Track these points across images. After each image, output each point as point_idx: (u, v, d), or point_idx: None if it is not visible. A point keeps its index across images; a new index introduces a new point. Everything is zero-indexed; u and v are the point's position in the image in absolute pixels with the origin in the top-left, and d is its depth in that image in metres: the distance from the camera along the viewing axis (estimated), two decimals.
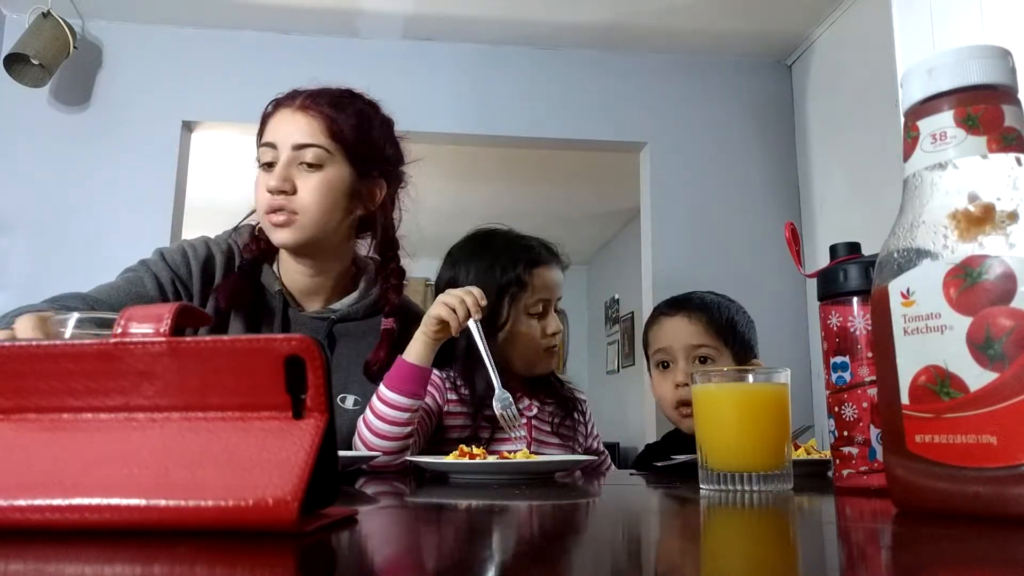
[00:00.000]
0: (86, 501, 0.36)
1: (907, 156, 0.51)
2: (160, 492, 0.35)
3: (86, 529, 0.35)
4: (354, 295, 1.25)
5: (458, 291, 1.08)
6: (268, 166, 1.15)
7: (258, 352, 0.39)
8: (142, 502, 0.35)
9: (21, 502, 0.36)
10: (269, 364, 0.39)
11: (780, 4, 2.69)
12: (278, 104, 1.20)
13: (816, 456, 0.95)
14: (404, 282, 1.29)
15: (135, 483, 0.36)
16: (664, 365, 1.37)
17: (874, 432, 0.65)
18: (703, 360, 1.34)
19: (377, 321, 1.25)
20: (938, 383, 0.46)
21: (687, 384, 1.32)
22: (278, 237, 1.15)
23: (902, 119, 0.52)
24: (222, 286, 1.18)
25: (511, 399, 1.09)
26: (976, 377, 0.44)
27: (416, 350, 1.08)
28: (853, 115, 2.63)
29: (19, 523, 0.36)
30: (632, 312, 4.93)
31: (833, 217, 2.76)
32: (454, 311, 1.05)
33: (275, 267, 1.24)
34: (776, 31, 2.88)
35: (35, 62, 2.52)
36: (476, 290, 1.08)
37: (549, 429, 1.28)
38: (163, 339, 0.39)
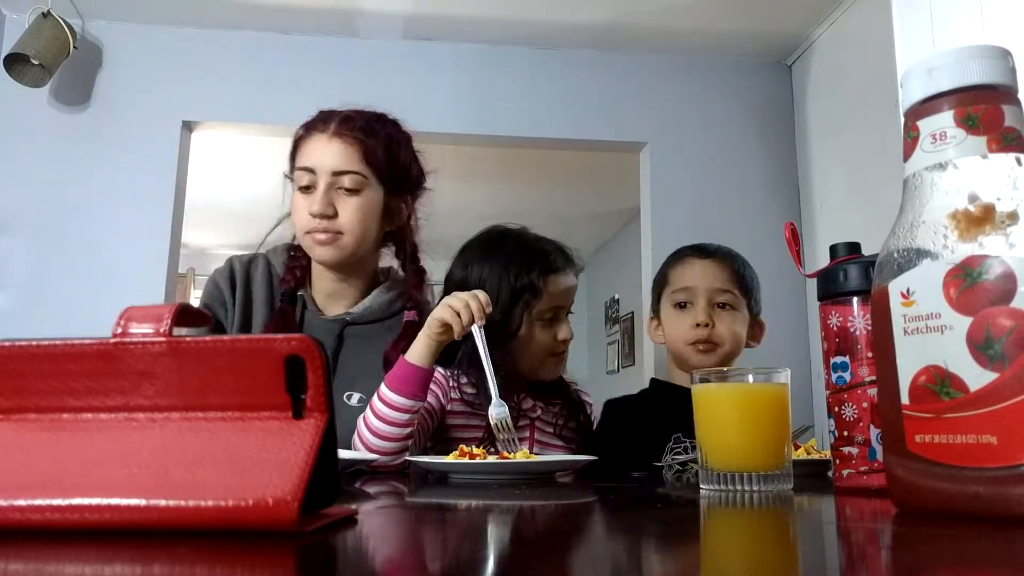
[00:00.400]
0: (86, 501, 0.36)
1: (907, 156, 0.51)
2: (160, 492, 0.35)
3: (86, 529, 0.35)
4: (368, 298, 1.31)
5: (464, 295, 1.08)
6: (306, 189, 1.23)
7: (258, 352, 0.39)
8: (142, 502, 0.35)
9: (21, 502, 0.36)
10: (269, 364, 0.39)
11: (780, 4, 2.69)
12: (310, 128, 1.26)
13: (816, 456, 0.95)
14: (426, 279, 1.36)
15: (135, 483, 0.36)
16: (682, 305, 1.36)
17: (874, 432, 0.65)
18: (722, 305, 1.33)
19: (392, 323, 1.30)
20: (938, 383, 0.46)
21: (707, 325, 1.31)
22: (320, 253, 1.24)
23: (902, 119, 0.52)
24: (275, 327, 1.25)
25: (507, 410, 1.09)
26: (976, 377, 0.44)
27: (418, 351, 1.08)
28: (853, 115, 2.63)
29: (19, 523, 0.36)
30: (632, 312, 4.92)
31: (833, 217, 2.76)
32: (458, 315, 1.05)
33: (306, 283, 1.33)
34: (776, 31, 2.87)
35: (35, 62, 2.52)
36: (482, 295, 1.08)
37: (552, 431, 1.27)
38: (163, 339, 0.39)
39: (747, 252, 3.15)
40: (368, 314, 1.30)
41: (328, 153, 1.22)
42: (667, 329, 1.40)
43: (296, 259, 1.32)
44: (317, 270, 1.31)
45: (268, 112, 2.82)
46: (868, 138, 2.48)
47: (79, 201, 2.65)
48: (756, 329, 1.39)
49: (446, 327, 1.06)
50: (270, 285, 1.31)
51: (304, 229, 1.23)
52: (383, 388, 1.06)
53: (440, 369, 1.21)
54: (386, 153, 1.25)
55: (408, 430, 1.05)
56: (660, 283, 1.45)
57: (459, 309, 1.06)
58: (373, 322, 1.30)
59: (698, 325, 1.32)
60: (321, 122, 1.25)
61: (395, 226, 1.32)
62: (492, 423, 1.08)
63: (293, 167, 1.28)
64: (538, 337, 1.24)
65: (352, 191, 1.22)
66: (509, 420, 1.08)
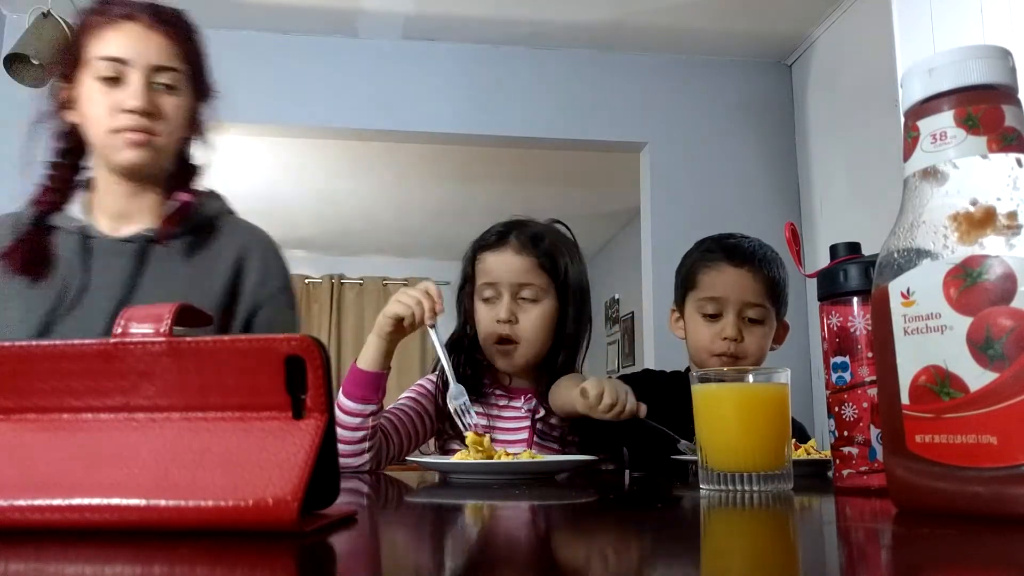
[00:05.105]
0: (86, 501, 0.36)
1: (907, 156, 0.51)
2: (160, 492, 0.36)
3: (86, 529, 0.35)
4: (165, 209, 1.15)
5: (415, 292, 1.07)
6: (112, 82, 1.08)
7: (258, 352, 0.39)
8: (142, 502, 0.35)
9: (21, 502, 0.36)
10: (269, 364, 0.39)
11: (780, 4, 2.69)
12: (107, 12, 1.13)
13: (816, 456, 0.95)
14: (198, 173, 1.22)
15: (135, 483, 0.36)
16: (710, 315, 1.29)
17: (874, 432, 0.65)
18: (752, 320, 1.27)
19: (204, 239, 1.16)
20: (938, 383, 0.46)
21: (736, 339, 1.25)
22: (131, 156, 1.08)
23: (902, 119, 0.52)
24: (14, 249, 1.09)
25: (464, 392, 1.10)
26: (976, 377, 0.44)
27: (368, 355, 1.07)
28: (853, 115, 2.63)
29: (19, 523, 0.36)
30: (632, 312, 4.92)
31: (833, 217, 2.76)
32: (412, 310, 1.05)
33: (74, 206, 1.15)
34: (776, 31, 2.87)
35: (35, 62, 2.52)
36: (433, 289, 1.07)
37: (550, 432, 1.26)
38: (163, 339, 0.39)
39: None
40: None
41: (146, 45, 1.09)
42: (691, 333, 1.33)
43: (59, 176, 1.15)
44: (104, 185, 1.13)
45: (268, 112, 2.82)
46: (868, 138, 2.48)
47: None
48: (780, 331, 1.35)
49: (397, 323, 1.05)
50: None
51: (110, 128, 1.07)
52: (339, 393, 1.07)
53: (430, 378, 1.24)
54: (196, 52, 1.17)
55: (361, 433, 1.05)
56: (687, 282, 1.36)
57: (411, 305, 1.05)
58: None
59: (725, 339, 1.26)
60: (125, 9, 1.12)
61: (194, 131, 1.18)
62: (451, 409, 1.10)
63: (81, 55, 1.12)
64: (481, 320, 1.24)
65: (171, 88, 1.10)
66: (468, 404, 1.10)
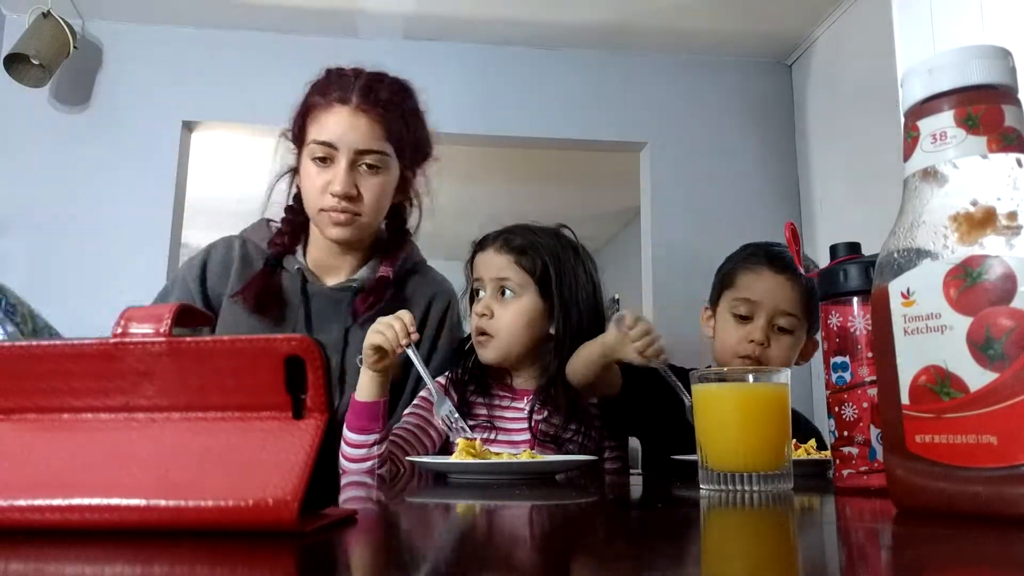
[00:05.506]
0: (86, 501, 0.36)
1: (907, 156, 0.51)
2: (160, 492, 0.36)
3: (86, 529, 0.35)
4: (369, 265, 1.30)
5: (386, 318, 1.07)
6: (322, 161, 1.20)
7: (258, 352, 0.39)
8: (142, 502, 0.35)
9: (21, 502, 0.36)
10: (269, 364, 0.39)
11: (780, 4, 2.69)
12: (327, 96, 1.21)
13: (816, 456, 0.95)
14: (409, 239, 1.37)
15: (135, 483, 0.36)
16: (741, 316, 1.30)
17: (874, 432, 0.65)
18: (782, 329, 1.28)
19: (398, 293, 1.30)
20: (938, 383, 0.46)
21: (762, 344, 1.26)
22: (337, 233, 1.22)
23: (902, 119, 0.52)
24: (248, 287, 1.23)
25: (451, 405, 1.13)
26: (976, 377, 0.44)
27: (362, 386, 1.08)
28: (853, 115, 2.63)
29: (19, 523, 0.36)
30: None
31: (833, 217, 2.76)
32: (386, 335, 1.06)
33: (297, 251, 1.31)
34: (776, 31, 2.87)
35: (35, 62, 2.52)
36: (406, 315, 1.08)
37: (552, 433, 1.25)
38: (163, 339, 0.39)
39: None
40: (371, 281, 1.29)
41: (352, 130, 1.19)
42: (719, 333, 1.35)
43: (290, 222, 1.30)
44: (317, 241, 1.29)
45: (268, 112, 2.80)
46: (868, 138, 2.48)
47: (79, 201, 2.65)
48: (809, 347, 1.35)
49: (378, 351, 1.06)
50: (248, 265, 1.29)
51: (319, 207, 1.20)
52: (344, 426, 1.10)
53: (440, 380, 1.25)
54: (406, 127, 1.25)
55: (369, 464, 1.07)
56: (725, 281, 1.38)
57: (384, 331, 1.06)
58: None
59: (752, 341, 1.27)
60: (339, 91, 1.20)
61: (405, 198, 1.33)
62: (438, 420, 1.13)
63: (303, 134, 1.23)
64: (471, 315, 1.27)
65: (374, 168, 1.20)
66: (455, 414, 1.12)
